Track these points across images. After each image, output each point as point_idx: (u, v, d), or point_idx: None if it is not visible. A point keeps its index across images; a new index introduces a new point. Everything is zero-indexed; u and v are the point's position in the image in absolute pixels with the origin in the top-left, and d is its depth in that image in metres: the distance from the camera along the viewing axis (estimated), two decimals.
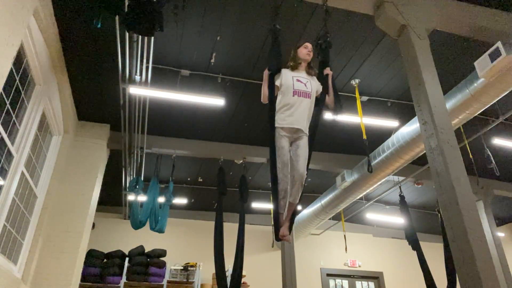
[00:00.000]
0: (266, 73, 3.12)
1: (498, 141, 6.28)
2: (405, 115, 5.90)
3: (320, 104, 3.21)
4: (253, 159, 6.97)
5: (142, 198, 6.39)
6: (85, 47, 4.72)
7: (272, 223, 8.61)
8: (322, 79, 3.31)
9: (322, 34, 3.49)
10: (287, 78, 3.11)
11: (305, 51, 3.26)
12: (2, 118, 3.56)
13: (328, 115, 5.70)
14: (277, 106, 3.05)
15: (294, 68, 3.21)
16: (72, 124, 5.77)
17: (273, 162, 2.83)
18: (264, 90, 3.08)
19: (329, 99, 3.26)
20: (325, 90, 3.24)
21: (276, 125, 2.95)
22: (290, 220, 2.99)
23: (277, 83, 3.09)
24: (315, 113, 3.15)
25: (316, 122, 3.16)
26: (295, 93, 3.04)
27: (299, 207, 9.23)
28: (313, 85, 3.17)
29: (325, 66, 3.37)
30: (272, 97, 3.01)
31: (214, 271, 5.90)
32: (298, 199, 2.97)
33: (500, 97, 4.52)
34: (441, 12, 3.88)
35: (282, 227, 2.91)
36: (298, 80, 3.11)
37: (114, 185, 7.58)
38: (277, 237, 2.93)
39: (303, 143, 3.01)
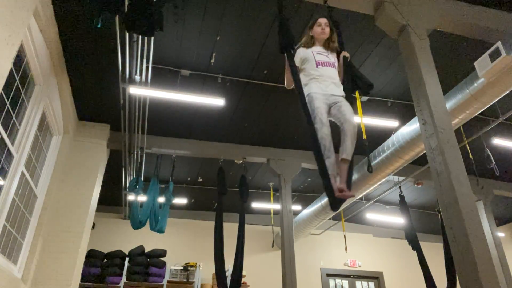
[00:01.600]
0: (285, 58, 2.90)
1: (498, 141, 6.28)
2: (405, 115, 5.90)
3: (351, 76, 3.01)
4: (253, 159, 6.97)
5: (142, 198, 6.39)
6: (85, 47, 4.72)
7: (273, 227, 8.59)
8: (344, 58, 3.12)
9: (328, 15, 3.33)
10: (306, 53, 2.97)
11: (319, 29, 3.06)
12: (2, 118, 3.56)
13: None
14: (302, 83, 2.83)
15: (311, 45, 3.06)
16: (72, 124, 5.77)
17: (310, 122, 2.60)
18: (286, 76, 2.96)
19: (349, 82, 3.03)
20: (348, 67, 3.06)
21: (309, 91, 2.77)
22: (348, 176, 2.68)
23: (297, 63, 2.92)
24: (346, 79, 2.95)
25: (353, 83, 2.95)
26: (319, 64, 2.89)
27: (299, 208, 9.23)
28: (335, 58, 3.03)
29: (341, 46, 3.19)
30: (296, 77, 2.74)
31: (214, 271, 5.90)
32: (351, 154, 2.71)
33: (500, 97, 4.52)
34: (441, 12, 3.88)
35: (340, 184, 2.56)
36: (318, 53, 2.98)
37: (114, 185, 7.58)
38: (334, 198, 2.50)
39: (344, 103, 2.82)
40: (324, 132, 2.59)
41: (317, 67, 2.89)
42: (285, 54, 2.84)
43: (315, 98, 2.73)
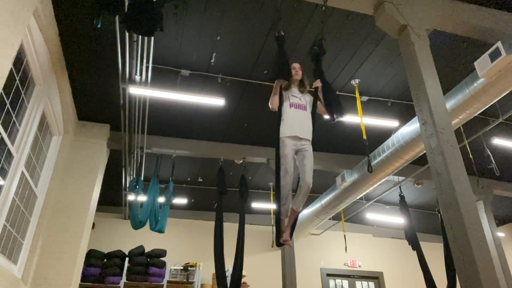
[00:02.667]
0: (277, 82, 3.25)
1: (498, 141, 6.28)
2: (405, 115, 5.90)
3: (315, 115, 3.36)
4: (253, 159, 6.97)
5: (142, 198, 6.39)
6: (85, 47, 4.72)
7: (274, 228, 8.63)
8: (315, 89, 3.44)
9: (316, 40, 3.57)
10: (283, 95, 3.30)
11: (293, 71, 3.41)
12: (2, 118, 3.56)
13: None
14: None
15: (286, 88, 3.37)
16: (72, 124, 5.77)
17: (278, 169, 2.97)
18: (274, 99, 3.25)
19: (322, 108, 3.40)
20: (316, 101, 3.37)
21: (281, 135, 3.10)
22: (291, 226, 3.14)
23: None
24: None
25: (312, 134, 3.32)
26: (292, 106, 3.23)
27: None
28: (307, 99, 3.36)
29: (319, 74, 3.49)
30: (281, 107, 3.18)
31: (214, 271, 5.90)
32: (301, 208, 3.15)
33: (500, 97, 4.52)
34: (441, 12, 3.88)
35: (284, 233, 3.03)
36: (292, 95, 3.31)
37: (114, 185, 7.58)
38: (278, 242, 3.03)
39: (309, 153, 3.15)
40: (286, 182, 2.98)
41: (290, 108, 3.23)
42: (280, 81, 3.22)
43: (285, 144, 3.08)
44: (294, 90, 3.39)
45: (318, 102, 3.37)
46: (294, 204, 3.10)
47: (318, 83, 3.44)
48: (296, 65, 3.46)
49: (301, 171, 3.12)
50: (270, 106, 3.27)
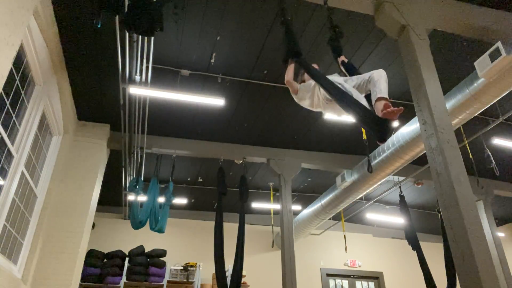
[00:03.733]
0: (289, 65, 3.09)
1: (498, 141, 6.28)
2: (405, 115, 5.89)
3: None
4: (253, 159, 6.97)
5: (142, 198, 6.39)
6: (85, 47, 4.72)
7: (273, 228, 8.56)
8: (343, 66, 3.26)
9: (332, 26, 3.49)
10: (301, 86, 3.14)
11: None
12: (2, 118, 3.56)
13: (328, 116, 5.70)
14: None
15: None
16: (72, 124, 5.77)
17: (329, 84, 2.60)
18: (289, 71, 3.08)
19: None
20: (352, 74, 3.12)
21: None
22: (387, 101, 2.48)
23: (297, 86, 3.15)
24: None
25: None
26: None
27: (299, 208, 9.24)
28: None
29: (339, 53, 3.35)
30: (313, 70, 2.81)
31: (214, 271, 5.90)
32: (387, 94, 2.55)
33: (500, 97, 4.52)
34: (441, 12, 3.88)
35: (384, 104, 2.36)
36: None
37: (114, 185, 7.58)
38: (379, 122, 2.31)
39: (351, 77, 2.90)
40: (346, 87, 2.60)
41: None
42: (290, 64, 3.07)
43: (332, 79, 2.73)
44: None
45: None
46: (378, 93, 2.51)
47: (343, 58, 3.30)
48: (315, 66, 3.28)
49: (364, 79, 2.73)
50: (286, 78, 3.09)
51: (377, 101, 2.46)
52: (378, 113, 2.34)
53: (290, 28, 3.12)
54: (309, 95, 3.06)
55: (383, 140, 2.33)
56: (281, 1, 3.36)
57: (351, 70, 3.15)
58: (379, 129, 2.27)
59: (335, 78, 2.85)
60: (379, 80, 2.58)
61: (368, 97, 2.69)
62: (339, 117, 3.23)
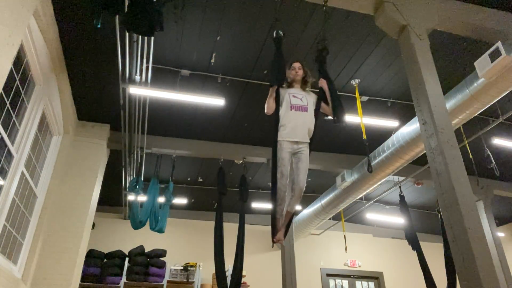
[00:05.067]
0: (272, 88, 3.19)
1: (498, 141, 6.28)
2: (405, 115, 5.91)
3: (319, 115, 3.33)
4: (253, 159, 6.97)
5: (142, 198, 6.39)
6: (85, 47, 4.72)
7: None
8: (320, 88, 3.40)
9: (319, 39, 3.55)
10: (284, 95, 3.25)
11: (293, 72, 3.38)
12: (2, 118, 3.56)
13: (328, 116, 5.69)
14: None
15: (289, 86, 3.37)
16: (72, 124, 5.77)
17: (274, 171, 2.98)
18: (270, 103, 3.19)
19: (326, 108, 3.36)
20: (320, 100, 3.33)
21: (278, 138, 3.10)
22: (286, 226, 3.21)
23: None
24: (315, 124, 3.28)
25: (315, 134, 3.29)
26: (292, 108, 3.20)
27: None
28: (309, 99, 3.31)
29: (323, 74, 3.44)
30: (277, 111, 3.14)
31: (214, 271, 5.90)
32: (295, 209, 3.20)
33: (500, 97, 4.52)
34: (441, 12, 3.88)
35: (278, 232, 3.10)
36: (294, 96, 3.26)
37: (114, 185, 7.58)
38: (273, 240, 3.12)
39: (305, 156, 3.16)
40: (282, 183, 3.01)
41: (291, 110, 3.19)
42: (275, 86, 3.16)
43: (283, 148, 3.08)
44: (296, 89, 3.34)
45: (322, 102, 3.33)
46: (288, 206, 3.15)
47: (323, 83, 3.39)
48: (296, 65, 3.41)
49: (296, 174, 3.15)
50: (266, 110, 3.22)
51: (286, 212, 3.16)
52: (280, 225, 3.12)
53: (280, 49, 3.25)
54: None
55: (272, 242, 3.17)
56: (277, 12, 3.45)
57: (322, 98, 3.35)
58: (272, 239, 3.13)
59: (286, 147, 3.12)
60: (295, 195, 3.12)
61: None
62: None
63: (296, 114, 3.18)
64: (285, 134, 3.12)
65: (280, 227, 3.14)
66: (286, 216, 3.19)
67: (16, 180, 4.04)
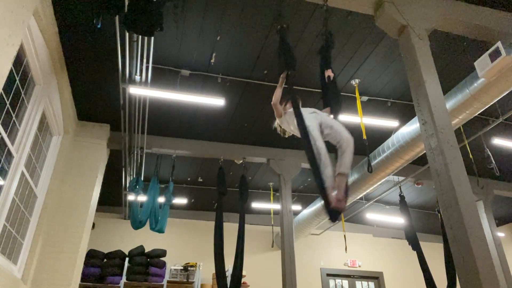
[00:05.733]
0: (282, 75, 3.11)
1: (498, 141, 6.28)
2: (405, 115, 5.91)
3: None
4: (253, 159, 6.97)
5: (142, 198, 6.39)
6: (85, 47, 4.72)
7: (273, 228, 8.61)
8: (324, 81, 3.36)
9: (324, 32, 3.51)
10: (290, 116, 3.20)
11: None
12: (2, 118, 3.56)
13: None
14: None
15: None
16: (72, 124, 5.77)
17: (306, 140, 2.77)
18: (277, 92, 3.15)
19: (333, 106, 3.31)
20: (327, 92, 3.30)
21: (301, 110, 2.94)
22: (345, 191, 2.79)
23: (282, 111, 3.30)
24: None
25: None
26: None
27: (299, 208, 9.22)
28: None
29: (326, 67, 3.40)
30: (294, 97, 2.96)
31: (214, 271, 5.90)
32: (348, 170, 2.83)
33: (500, 97, 4.52)
34: (441, 12, 3.88)
35: (335, 199, 2.66)
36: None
37: (114, 185, 7.58)
38: (331, 209, 2.62)
39: (333, 120, 3.10)
40: (319, 147, 2.78)
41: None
42: (287, 73, 3.04)
43: (305, 117, 2.90)
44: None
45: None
46: (340, 167, 2.80)
47: (330, 73, 3.36)
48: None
49: (337, 136, 2.94)
50: (273, 100, 3.15)
51: (336, 176, 2.77)
52: (334, 187, 2.68)
53: (285, 39, 3.16)
54: (291, 122, 3.25)
55: (333, 221, 2.76)
56: (279, 7, 3.40)
57: (333, 90, 3.31)
58: (328, 212, 2.66)
59: (311, 117, 3.01)
60: (346, 152, 2.86)
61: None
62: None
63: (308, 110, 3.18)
64: (303, 110, 2.99)
65: (337, 192, 2.71)
66: (340, 182, 2.77)
67: (16, 180, 4.04)
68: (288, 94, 3.09)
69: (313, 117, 3.02)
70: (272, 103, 3.20)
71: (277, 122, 3.46)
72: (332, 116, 3.30)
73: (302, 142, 2.76)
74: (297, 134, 3.15)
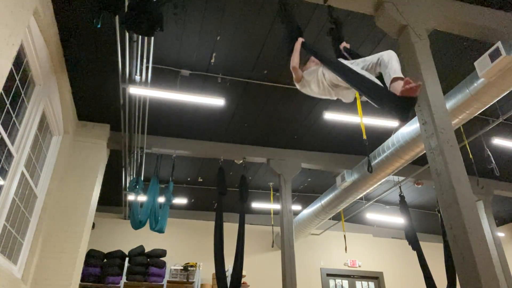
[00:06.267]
0: (299, 41, 3.06)
1: (498, 141, 6.28)
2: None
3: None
4: (253, 159, 6.97)
5: (142, 198, 6.39)
6: (85, 47, 4.72)
7: (273, 228, 8.53)
8: (342, 55, 3.25)
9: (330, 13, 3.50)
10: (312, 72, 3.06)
11: (314, 63, 3.20)
12: (2, 118, 3.56)
13: (328, 115, 5.69)
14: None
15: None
16: (72, 124, 5.77)
17: (345, 68, 2.64)
18: (295, 56, 3.03)
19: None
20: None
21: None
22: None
23: (301, 73, 3.08)
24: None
25: None
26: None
27: (299, 208, 9.22)
28: None
29: (340, 41, 3.34)
30: (318, 52, 2.89)
31: (214, 271, 5.90)
32: (399, 72, 2.49)
33: (500, 97, 4.52)
34: (441, 12, 3.88)
35: (404, 81, 2.29)
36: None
37: (114, 185, 7.58)
38: (399, 101, 2.31)
39: (357, 61, 2.86)
40: (359, 71, 2.55)
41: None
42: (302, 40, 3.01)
43: (332, 59, 2.75)
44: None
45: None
46: (392, 73, 2.46)
47: (346, 44, 3.28)
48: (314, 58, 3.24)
49: (371, 60, 2.71)
50: (292, 64, 3.00)
51: (392, 82, 2.40)
52: (397, 93, 2.30)
53: (288, 8, 3.10)
54: (314, 82, 3.01)
55: (406, 119, 2.38)
56: None
57: (355, 56, 3.13)
58: (400, 108, 2.29)
59: (341, 61, 2.80)
60: (390, 61, 2.51)
61: (380, 79, 2.62)
62: (348, 101, 3.09)
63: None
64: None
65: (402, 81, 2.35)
66: (397, 85, 2.38)
67: (16, 180, 4.04)
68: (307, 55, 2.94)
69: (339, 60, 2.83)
70: (291, 66, 3.03)
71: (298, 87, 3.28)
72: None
73: (342, 73, 2.55)
74: (320, 93, 3.02)
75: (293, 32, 3.05)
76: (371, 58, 2.71)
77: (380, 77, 2.67)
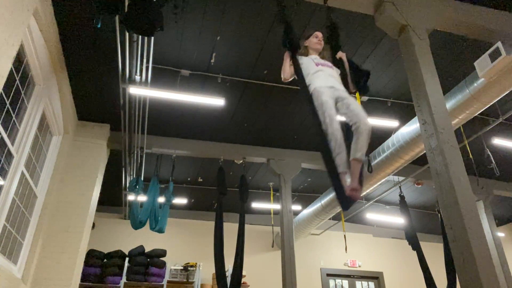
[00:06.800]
0: (287, 54, 3.02)
1: (498, 141, 6.28)
2: (405, 115, 5.90)
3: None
4: (253, 159, 6.97)
5: (142, 198, 6.39)
6: (85, 47, 4.72)
7: (273, 228, 8.55)
8: (337, 64, 3.20)
9: (328, 16, 3.47)
10: (304, 59, 3.00)
11: (315, 40, 3.18)
12: (2, 118, 3.56)
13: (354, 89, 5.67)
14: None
15: (306, 54, 3.13)
16: (72, 124, 5.77)
17: (318, 121, 2.51)
18: (286, 67, 3.00)
19: (349, 83, 3.09)
20: (341, 75, 3.10)
21: (313, 87, 2.71)
22: (360, 178, 2.54)
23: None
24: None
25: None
26: (318, 64, 2.95)
27: (299, 208, 9.21)
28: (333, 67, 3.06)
29: (337, 50, 3.31)
30: (300, 72, 2.77)
31: (214, 271, 5.90)
32: (363, 156, 2.58)
33: (500, 97, 4.52)
34: (441, 12, 3.88)
35: (351, 184, 2.44)
36: (315, 58, 3.06)
37: (114, 185, 7.58)
38: (344, 197, 2.45)
39: (351, 99, 2.75)
40: (334, 127, 2.47)
41: (316, 66, 2.94)
42: (290, 51, 2.92)
43: (321, 92, 2.65)
44: (314, 56, 3.10)
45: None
46: (356, 152, 2.53)
47: (341, 55, 3.20)
48: (319, 34, 3.21)
49: (353, 115, 2.63)
50: (282, 76, 2.97)
51: (353, 162, 2.53)
52: (345, 185, 2.45)
53: (284, 16, 3.02)
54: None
55: (345, 208, 2.56)
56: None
57: (351, 66, 3.16)
58: (342, 200, 2.49)
59: (328, 92, 2.70)
60: (362, 135, 2.57)
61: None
62: None
63: (323, 68, 2.91)
64: (318, 82, 2.75)
65: (352, 179, 2.48)
66: (355, 168, 2.52)
67: (16, 180, 4.04)
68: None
69: (329, 92, 2.70)
70: (282, 79, 3.02)
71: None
72: (354, 93, 3.08)
73: (314, 120, 2.50)
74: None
75: (286, 41, 2.94)
76: (353, 114, 2.65)
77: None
